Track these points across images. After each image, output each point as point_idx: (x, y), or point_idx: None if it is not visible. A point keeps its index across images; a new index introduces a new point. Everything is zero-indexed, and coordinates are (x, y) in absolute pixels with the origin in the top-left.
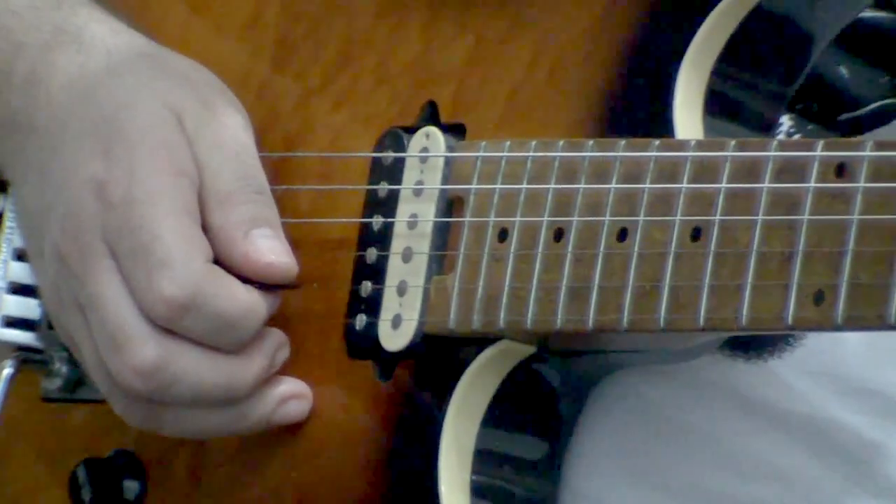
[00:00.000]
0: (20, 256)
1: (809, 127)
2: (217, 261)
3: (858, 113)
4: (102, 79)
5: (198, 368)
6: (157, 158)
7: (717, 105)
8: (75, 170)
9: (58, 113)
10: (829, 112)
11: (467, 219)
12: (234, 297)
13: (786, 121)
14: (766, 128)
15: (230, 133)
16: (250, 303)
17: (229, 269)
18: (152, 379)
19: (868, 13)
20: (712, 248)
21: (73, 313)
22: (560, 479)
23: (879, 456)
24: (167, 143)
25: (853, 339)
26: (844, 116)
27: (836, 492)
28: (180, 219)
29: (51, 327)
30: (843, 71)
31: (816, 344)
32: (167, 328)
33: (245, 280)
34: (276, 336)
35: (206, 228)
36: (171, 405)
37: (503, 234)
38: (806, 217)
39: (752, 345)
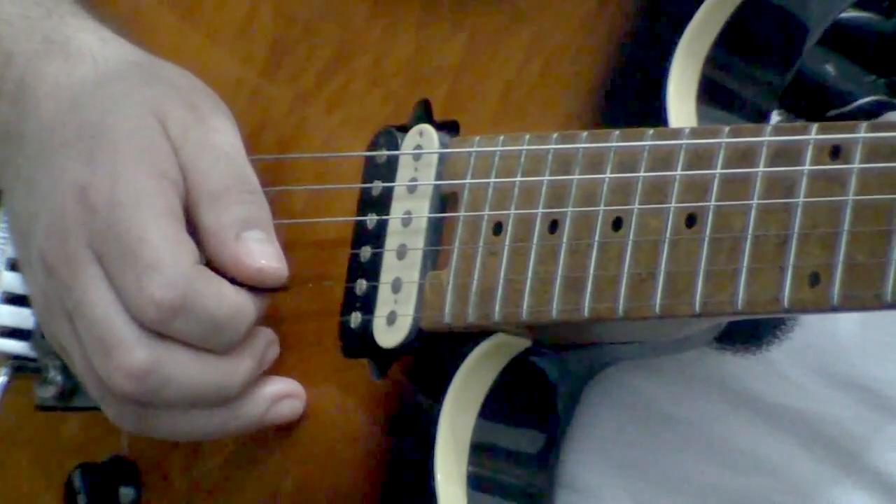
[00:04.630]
0: (13, 266)
1: (798, 123)
2: (208, 262)
3: (845, 109)
4: (88, 87)
5: (188, 370)
6: (139, 161)
7: (711, 94)
8: (60, 176)
9: (45, 122)
10: (817, 108)
11: (462, 213)
12: (224, 298)
13: (775, 116)
14: (760, 118)
15: (219, 136)
16: (239, 304)
17: (220, 270)
18: (144, 382)
19: (852, 13)
20: (707, 233)
21: (62, 321)
22: (555, 471)
23: (868, 449)
24: (149, 147)
25: (843, 333)
26: (832, 113)
27: (825, 484)
28: (165, 221)
29: (45, 336)
30: (829, 69)
31: (806, 337)
32: (156, 331)
33: (234, 280)
34: (265, 334)
35: (197, 229)
36: (163, 408)
37: (498, 228)
38: (801, 200)
39: (741, 338)
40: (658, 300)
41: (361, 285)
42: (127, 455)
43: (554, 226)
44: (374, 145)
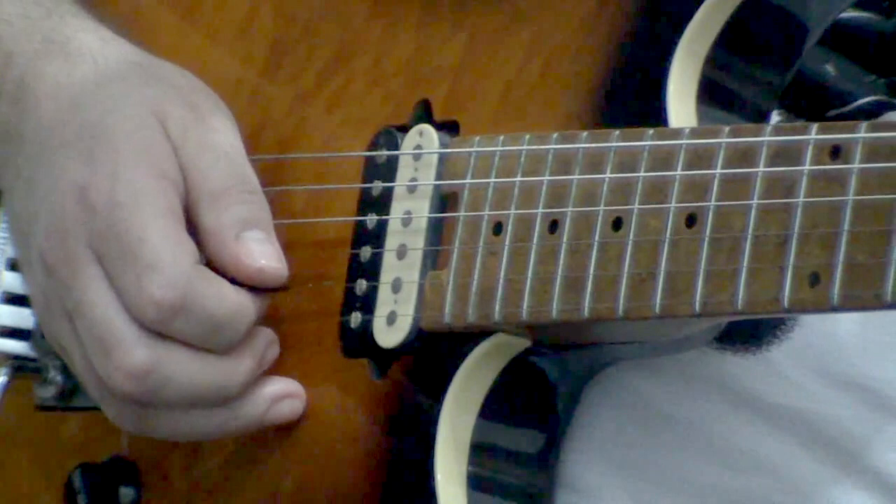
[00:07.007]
0: (13, 266)
1: (798, 123)
2: (208, 262)
3: (845, 109)
4: (88, 87)
5: (188, 370)
6: (139, 161)
7: (711, 94)
8: (60, 176)
9: (45, 122)
10: (817, 108)
11: (462, 213)
12: (224, 298)
13: (775, 116)
14: (760, 118)
15: (219, 135)
16: (239, 303)
17: (220, 270)
18: (144, 382)
19: (852, 13)
20: (707, 233)
21: (62, 321)
22: (555, 471)
23: (868, 449)
24: (148, 147)
25: (843, 333)
26: (832, 113)
27: (825, 484)
28: (165, 220)
29: (45, 336)
30: (830, 69)
31: (806, 337)
32: (156, 331)
33: (234, 280)
34: (265, 334)
35: (197, 229)
36: (163, 408)
37: (498, 228)
38: (801, 200)
39: (741, 338)
40: (658, 300)
41: (361, 285)
42: (127, 455)
43: (554, 226)
44: (374, 145)
